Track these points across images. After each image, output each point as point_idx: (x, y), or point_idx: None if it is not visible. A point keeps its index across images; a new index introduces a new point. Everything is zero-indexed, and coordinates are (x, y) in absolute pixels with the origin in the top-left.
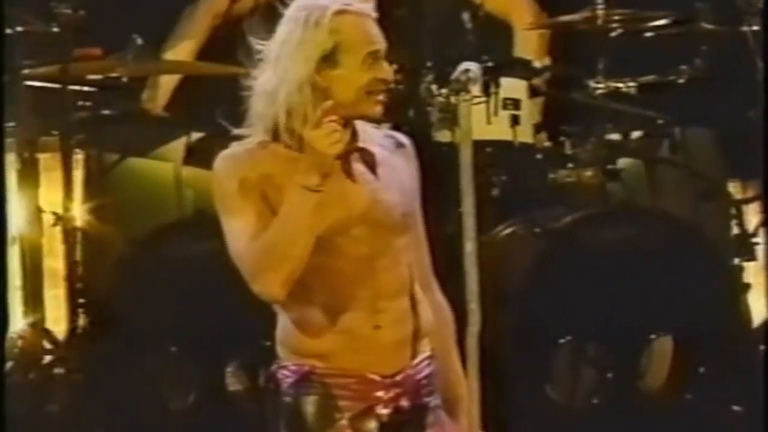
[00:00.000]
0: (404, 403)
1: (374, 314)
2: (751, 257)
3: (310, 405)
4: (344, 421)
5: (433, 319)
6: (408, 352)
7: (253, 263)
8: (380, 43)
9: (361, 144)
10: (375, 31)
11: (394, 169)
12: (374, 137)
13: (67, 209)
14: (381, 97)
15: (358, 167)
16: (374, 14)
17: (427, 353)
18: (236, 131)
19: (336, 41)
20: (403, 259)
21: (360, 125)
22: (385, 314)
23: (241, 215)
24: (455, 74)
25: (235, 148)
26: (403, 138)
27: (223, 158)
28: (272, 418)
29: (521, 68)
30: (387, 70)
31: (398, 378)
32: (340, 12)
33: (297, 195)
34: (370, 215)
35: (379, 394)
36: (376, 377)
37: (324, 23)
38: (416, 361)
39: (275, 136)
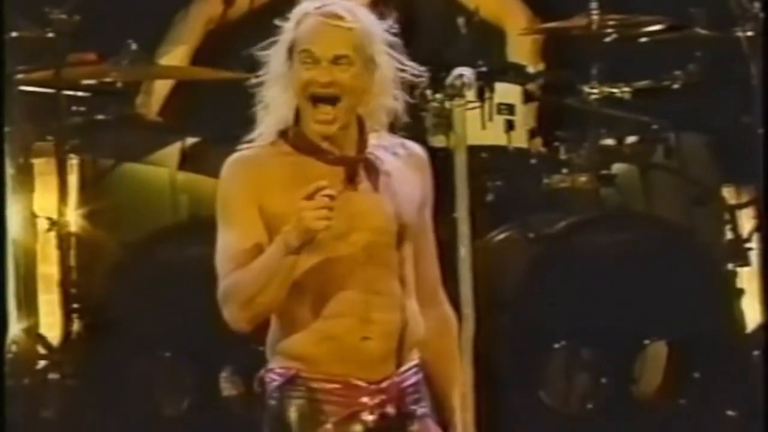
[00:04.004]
0: (390, 410)
1: (364, 324)
2: (745, 262)
3: (294, 408)
4: (329, 426)
5: (437, 330)
6: (394, 362)
7: (224, 293)
8: (321, 46)
9: (369, 152)
10: (327, 33)
11: (400, 179)
12: (386, 145)
13: (61, 214)
14: (324, 116)
15: (361, 175)
16: (348, 19)
17: (415, 361)
18: (253, 134)
19: (293, 37)
20: (399, 271)
21: (382, 130)
22: (376, 326)
23: (234, 231)
24: (450, 79)
25: (244, 151)
26: (417, 148)
27: (228, 164)
28: (262, 421)
29: (516, 73)
30: (323, 72)
31: (384, 385)
32: (312, 12)
33: (277, 250)
34: (368, 223)
35: (364, 400)
36: (361, 383)
37: (294, 19)
38: (403, 369)
39: (283, 134)
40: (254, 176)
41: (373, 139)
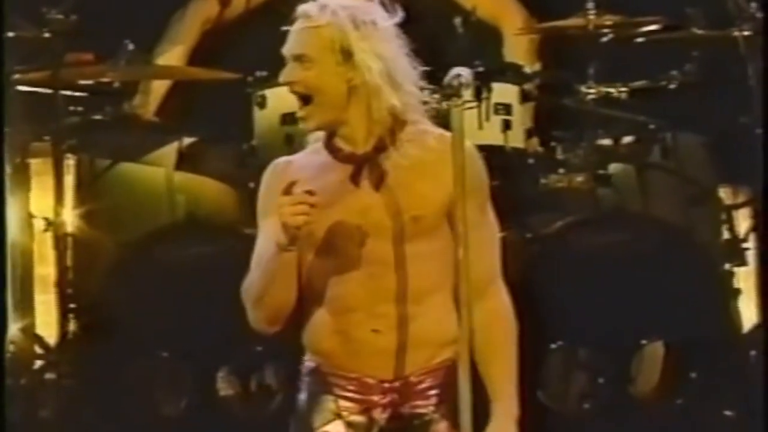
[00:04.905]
0: (403, 409)
1: (372, 317)
2: (742, 262)
3: (311, 401)
4: (340, 421)
5: (485, 323)
6: (411, 359)
7: (243, 295)
8: (286, 46)
9: (393, 147)
10: (292, 33)
11: (419, 175)
12: (420, 139)
13: (58, 214)
14: (300, 113)
15: (364, 173)
16: (315, 18)
17: (443, 362)
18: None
19: None
20: (403, 268)
21: (414, 124)
22: (383, 319)
23: (261, 235)
24: (447, 79)
25: (282, 156)
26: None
27: (268, 169)
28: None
29: (513, 73)
30: (285, 72)
31: (397, 384)
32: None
33: (270, 248)
34: (365, 220)
35: (376, 398)
36: (373, 381)
37: None
38: (422, 369)
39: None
40: (280, 180)
41: (406, 133)
